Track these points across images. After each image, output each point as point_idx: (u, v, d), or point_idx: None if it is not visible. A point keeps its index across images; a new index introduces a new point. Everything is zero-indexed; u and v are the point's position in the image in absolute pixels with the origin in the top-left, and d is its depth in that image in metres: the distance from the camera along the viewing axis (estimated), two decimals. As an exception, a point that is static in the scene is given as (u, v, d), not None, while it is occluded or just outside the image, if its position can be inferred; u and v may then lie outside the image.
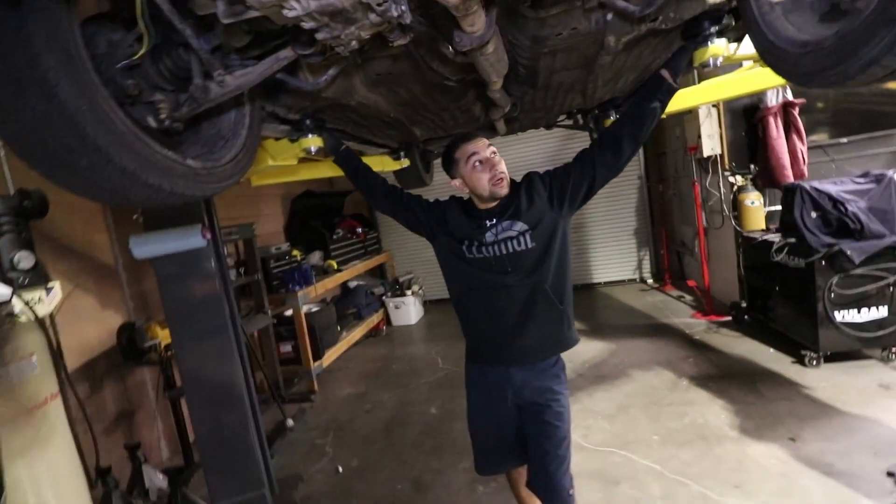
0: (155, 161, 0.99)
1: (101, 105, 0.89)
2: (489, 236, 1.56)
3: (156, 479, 2.74)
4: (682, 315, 4.76)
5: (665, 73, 1.44)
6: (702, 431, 2.67)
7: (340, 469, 2.88)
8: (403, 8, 0.89)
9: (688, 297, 5.32)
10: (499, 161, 1.55)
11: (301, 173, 2.64)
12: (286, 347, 4.28)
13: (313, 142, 1.79)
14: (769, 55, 0.99)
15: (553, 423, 1.61)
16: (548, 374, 1.63)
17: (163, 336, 2.85)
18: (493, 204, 1.59)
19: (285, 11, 0.82)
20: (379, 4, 0.85)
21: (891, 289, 3.03)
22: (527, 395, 1.62)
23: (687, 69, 1.43)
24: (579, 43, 1.36)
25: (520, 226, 1.54)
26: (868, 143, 3.90)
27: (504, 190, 1.55)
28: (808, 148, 3.90)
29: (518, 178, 1.67)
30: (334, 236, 5.39)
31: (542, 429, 1.61)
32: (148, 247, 2.20)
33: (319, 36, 0.95)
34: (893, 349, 3.10)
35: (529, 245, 1.53)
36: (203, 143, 1.28)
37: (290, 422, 3.44)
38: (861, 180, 3.19)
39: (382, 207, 1.83)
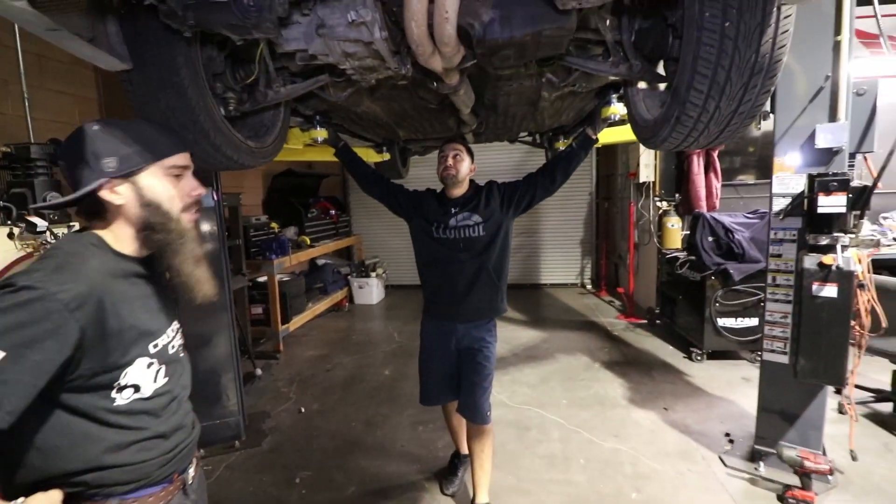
0: (231, 140, 1.48)
1: (207, 100, 1.38)
2: (452, 221, 2.11)
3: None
4: (608, 315, 5.52)
5: (588, 131, 2.08)
6: (601, 399, 3.34)
7: (303, 409, 3.37)
8: (408, 66, 1.43)
9: (617, 302, 6.10)
10: (457, 161, 2.09)
11: (303, 154, 3.12)
12: (257, 310, 4.68)
13: (320, 133, 2.28)
14: (631, 121, 1.60)
15: (482, 364, 2.18)
16: (483, 328, 2.20)
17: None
18: (458, 195, 2.14)
19: (340, 65, 1.35)
20: (393, 67, 1.39)
21: (761, 304, 3.81)
22: (466, 342, 2.19)
23: (603, 125, 2.03)
24: (525, 91, 1.95)
25: (476, 218, 2.11)
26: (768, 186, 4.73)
27: (449, 179, 2.09)
28: (723, 185, 4.69)
29: (481, 183, 2.24)
30: (309, 214, 5.80)
31: (473, 366, 2.18)
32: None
33: (348, 72, 1.47)
34: (758, 353, 3.89)
35: (481, 233, 2.10)
36: (249, 128, 1.77)
37: (258, 371, 3.88)
38: (751, 216, 3.99)
39: (372, 192, 2.35)
